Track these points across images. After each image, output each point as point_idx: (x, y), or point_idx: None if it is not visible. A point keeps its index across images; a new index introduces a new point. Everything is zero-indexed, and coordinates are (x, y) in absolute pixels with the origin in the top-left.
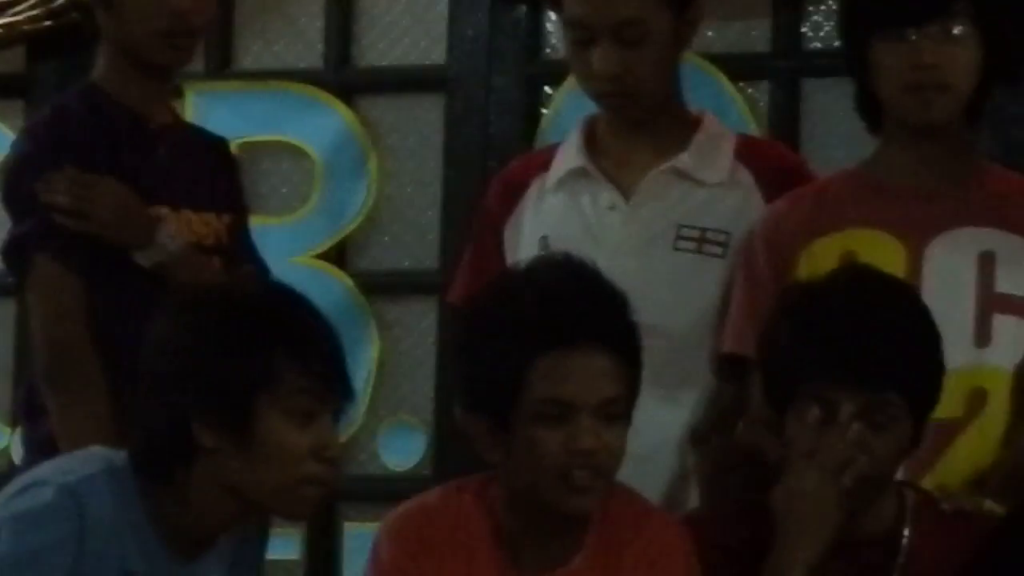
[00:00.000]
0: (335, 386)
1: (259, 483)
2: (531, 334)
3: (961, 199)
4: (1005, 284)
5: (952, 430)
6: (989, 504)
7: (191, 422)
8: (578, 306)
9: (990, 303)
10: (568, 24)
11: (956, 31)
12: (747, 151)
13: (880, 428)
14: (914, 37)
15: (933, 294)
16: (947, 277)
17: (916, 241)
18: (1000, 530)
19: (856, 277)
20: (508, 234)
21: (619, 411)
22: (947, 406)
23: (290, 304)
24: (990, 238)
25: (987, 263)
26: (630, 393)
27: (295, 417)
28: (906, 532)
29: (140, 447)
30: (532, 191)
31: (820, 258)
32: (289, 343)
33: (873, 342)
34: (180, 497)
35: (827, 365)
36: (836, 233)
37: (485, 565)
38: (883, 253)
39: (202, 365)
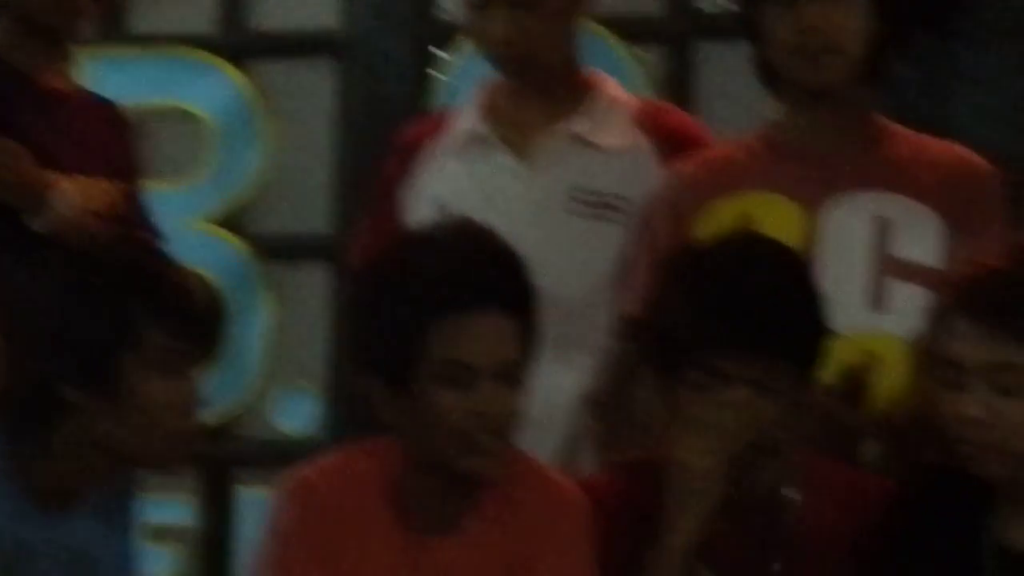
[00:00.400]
0: (198, 342)
1: (125, 438)
2: (431, 297)
3: (859, 162)
4: (902, 249)
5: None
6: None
7: (58, 380)
8: (477, 269)
9: (885, 268)
10: None
11: None
12: (644, 116)
13: (769, 393)
14: (799, 1)
15: (828, 257)
16: (842, 240)
17: (813, 204)
18: (891, 491)
19: (743, 243)
20: (406, 198)
21: (517, 374)
22: (840, 370)
23: (151, 263)
24: (888, 202)
25: (883, 227)
26: (527, 356)
27: (158, 373)
28: (797, 493)
29: (9, 403)
30: (428, 154)
31: (718, 221)
32: (150, 302)
33: (759, 308)
34: (47, 452)
35: (714, 332)
36: (735, 196)
37: (380, 527)
38: (780, 216)
39: (67, 325)
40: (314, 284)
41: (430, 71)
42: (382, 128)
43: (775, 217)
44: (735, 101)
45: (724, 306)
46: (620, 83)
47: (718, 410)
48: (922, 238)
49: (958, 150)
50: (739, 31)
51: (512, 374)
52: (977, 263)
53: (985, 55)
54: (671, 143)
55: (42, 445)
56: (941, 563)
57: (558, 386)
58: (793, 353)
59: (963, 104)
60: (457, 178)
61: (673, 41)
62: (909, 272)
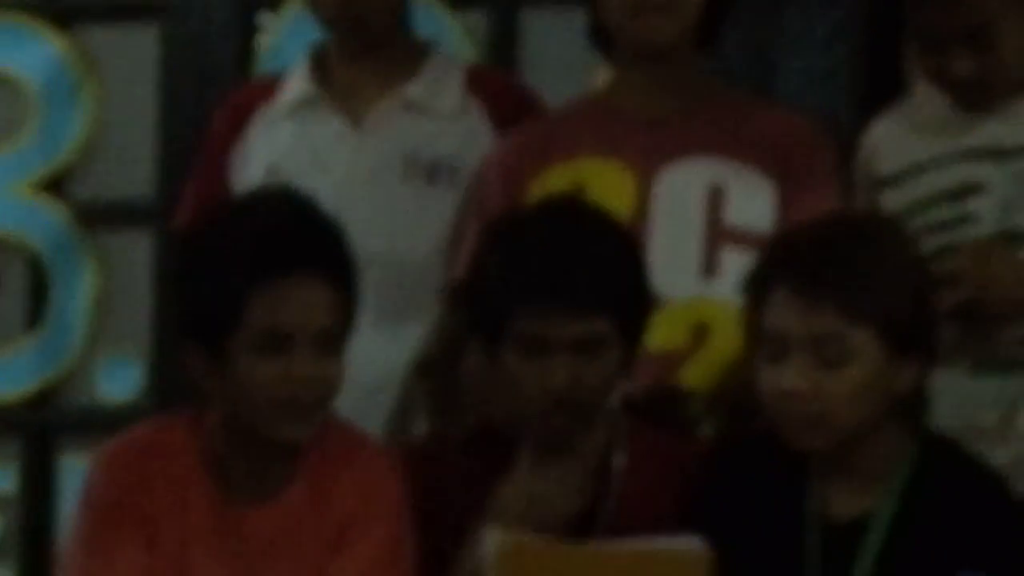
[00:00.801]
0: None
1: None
2: (247, 264)
3: (693, 127)
4: (735, 216)
5: (676, 360)
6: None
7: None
8: (294, 236)
9: (718, 235)
10: None
11: None
12: (476, 81)
13: (590, 356)
14: None
15: (661, 223)
16: (675, 207)
17: (646, 169)
18: (710, 454)
19: (560, 207)
20: (234, 160)
21: (336, 341)
22: (672, 336)
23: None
24: (721, 167)
25: (717, 194)
26: (346, 324)
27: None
28: (619, 458)
29: None
30: (259, 117)
31: (551, 186)
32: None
33: (575, 268)
34: None
35: (534, 295)
36: (568, 161)
37: (198, 496)
38: (612, 182)
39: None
40: (138, 250)
41: (254, 34)
42: (206, 93)
43: (607, 183)
44: (560, 66)
45: (540, 267)
46: (448, 48)
47: (542, 373)
48: (755, 203)
49: (790, 115)
50: None
51: (329, 341)
52: (793, 231)
53: (809, 19)
54: (503, 107)
55: None
56: (761, 531)
57: (388, 353)
58: (614, 314)
59: (788, 67)
60: (288, 141)
61: (498, 5)
62: (742, 238)
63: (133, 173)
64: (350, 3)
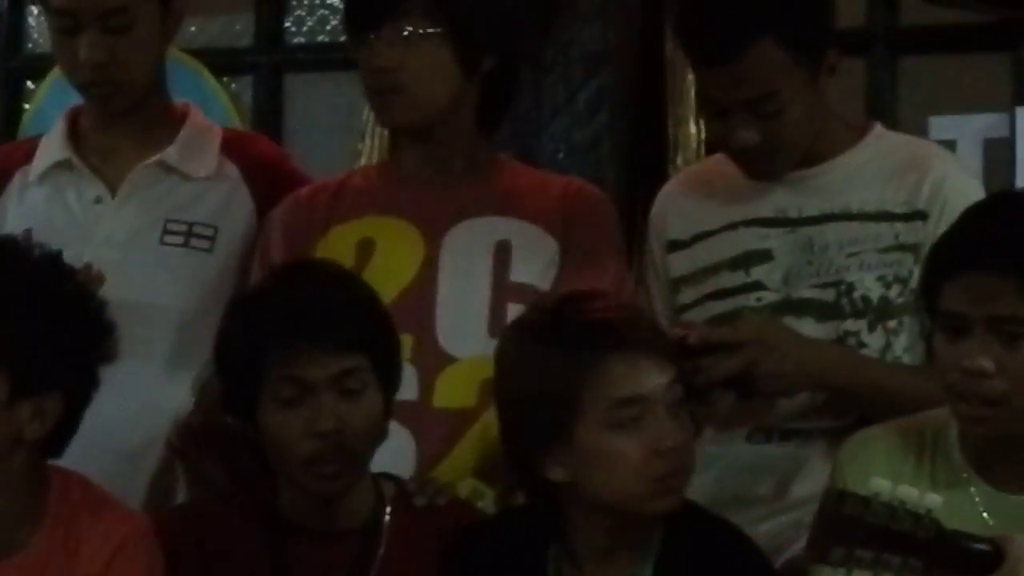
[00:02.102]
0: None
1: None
2: None
3: (476, 191)
4: (519, 274)
5: (464, 419)
6: (478, 486)
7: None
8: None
9: (504, 293)
10: (54, 13)
11: (407, 32)
12: (232, 145)
13: (353, 398)
14: (373, 39)
15: (450, 281)
16: (463, 265)
17: (434, 230)
18: (467, 526)
19: (297, 266)
20: None
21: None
22: (460, 395)
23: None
24: (505, 226)
25: (502, 252)
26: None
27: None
28: (386, 522)
29: None
30: (15, 182)
31: (337, 244)
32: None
33: (327, 309)
34: None
35: (287, 336)
36: (355, 220)
37: None
38: (402, 240)
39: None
40: None
41: (19, 101)
42: None
43: (397, 241)
44: (323, 131)
45: (289, 310)
46: (211, 114)
47: (308, 418)
48: (538, 261)
49: (572, 179)
50: (327, 64)
51: (71, 406)
52: (545, 299)
53: (569, 89)
54: (258, 171)
55: None
56: None
57: (151, 420)
58: (368, 350)
59: (549, 136)
60: (44, 206)
61: (262, 72)
62: (528, 295)
63: None
64: (106, 67)
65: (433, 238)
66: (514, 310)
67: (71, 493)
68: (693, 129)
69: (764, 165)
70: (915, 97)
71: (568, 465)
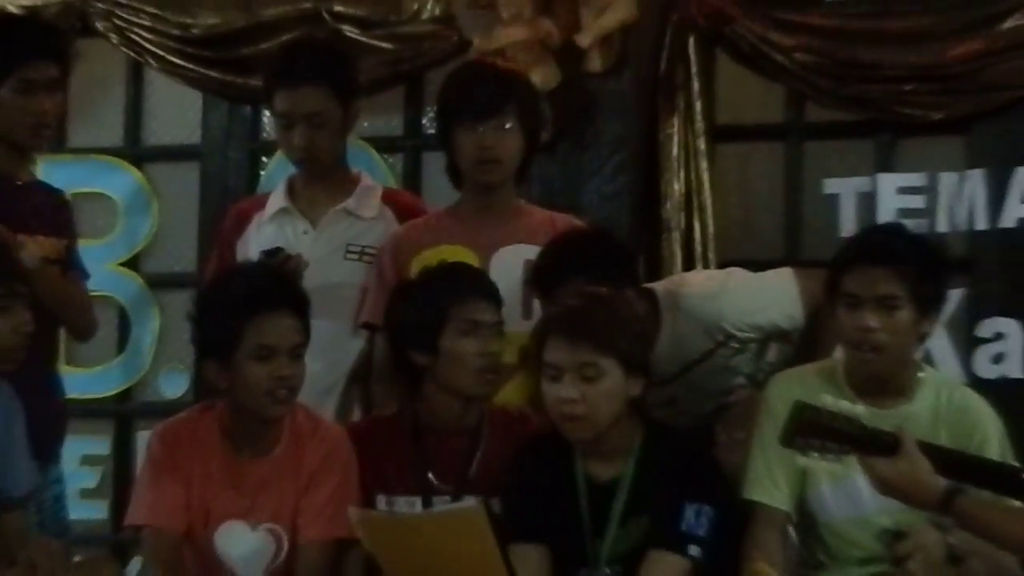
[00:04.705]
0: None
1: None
2: (241, 305)
3: (511, 227)
4: None
5: (511, 372)
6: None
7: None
8: (271, 288)
9: (529, 291)
10: (277, 115)
11: (508, 126)
12: (389, 197)
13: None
14: (480, 128)
15: (499, 285)
16: (505, 274)
17: (485, 252)
18: (534, 434)
19: (444, 266)
20: (239, 248)
21: (301, 352)
22: (508, 356)
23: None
24: (529, 250)
25: (528, 265)
26: (306, 341)
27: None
28: (484, 428)
29: None
30: (254, 222)
31: (427, 261)
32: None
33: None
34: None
35: (466, 292)
36: (436, 247)
37: (217, 454)
38: (463, 259)
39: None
40: (184, 302)
41: (258, 169)
42: (229, 205)
43: (461, 259)
44: (443, 191)
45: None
46: (376, 177)
47: (478, 350)
48: None
49: (568, 218)
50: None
51: (298, 352)
52: (559, 300)
53: (601, 158)
54: (405, 214)
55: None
56: (549, 492)
57: (346, 353)
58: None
59: (587, 190)
60: (272, 236)
61: (408, 151)
62: None
63: (181, 256)
64: (307, 150)
65: (485, 258)
66: (536, 303)
67: (297, 416)
68: (676, 186)
69: None
70: (815, 167)
71: None
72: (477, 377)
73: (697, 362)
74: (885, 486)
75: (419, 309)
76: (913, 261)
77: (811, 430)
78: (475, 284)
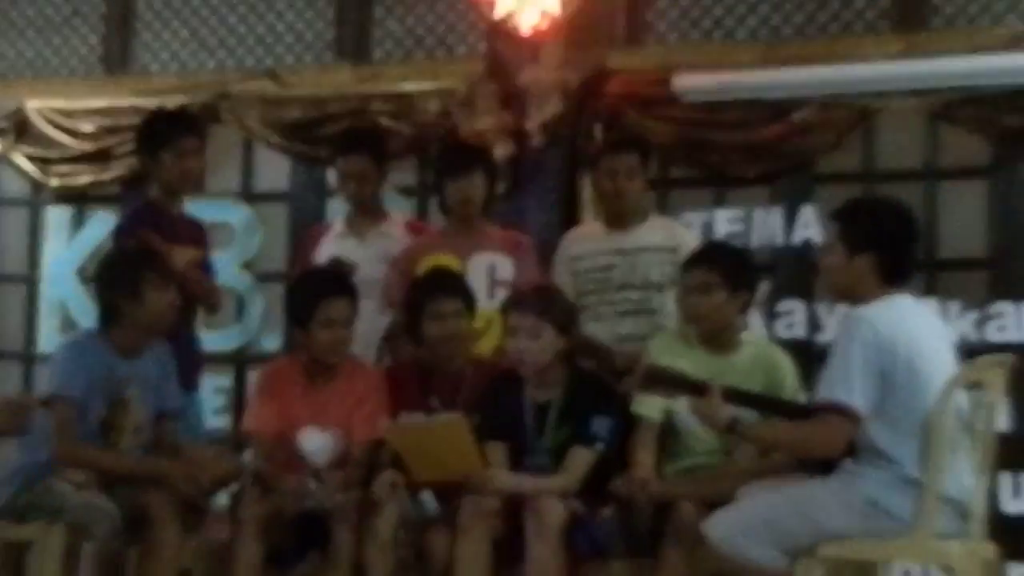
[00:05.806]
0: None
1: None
2: (315, 293)
3: (479, 239)
4: (500, 273)
5: (481, 333)
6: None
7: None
8: (334, 281)
9: (494, 283)
10: (338, 173)
11: (476, 180)
12: (408, 225)
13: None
14: (460, 182)
15: (473, 278)
16: (477, 274)
17: (464, 257)
18: (499, 372)
19: (433, 272)
20: (314, 257)
21: (351, 322)
22: (480, 323)
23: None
24: (491, 256)
25: (491, 267)
26: (354, 314)
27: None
28: (467, 371)
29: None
30: (326, 238)
31: (427, 263)
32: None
33: (454, 285)
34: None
35: (433, 288)
36: (431, 254)
37: (298, 383)
38: (449, 262)
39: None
40: (279, 290)
41: (325, 207)
42: (306, 230)
43: (447, 262)
44: (441, 218)
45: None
46: (397, 211)
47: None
48: (506, 270)
49: (515, 232)
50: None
51: (349, 322)
52: (518, 286)
53: (541, 200)
54: (415, 233)
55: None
56: (508, 409)
57: (376, 326)
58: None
59: (532, 221)
60: (334, 249)
61: (418, 196)
62: (503, 284)
63: (277, 260)
64: (356, 195)
65: (464, 260)
66: (498, 290)
67: (350, 361)
68: (587, 217)
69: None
70: (676, 207)
71: None
72: (441, 346)
73: None
74: (696, 414)
75: (409, 304)
76: (725, 260)
77: (658, 380)
78: (440, 285)
